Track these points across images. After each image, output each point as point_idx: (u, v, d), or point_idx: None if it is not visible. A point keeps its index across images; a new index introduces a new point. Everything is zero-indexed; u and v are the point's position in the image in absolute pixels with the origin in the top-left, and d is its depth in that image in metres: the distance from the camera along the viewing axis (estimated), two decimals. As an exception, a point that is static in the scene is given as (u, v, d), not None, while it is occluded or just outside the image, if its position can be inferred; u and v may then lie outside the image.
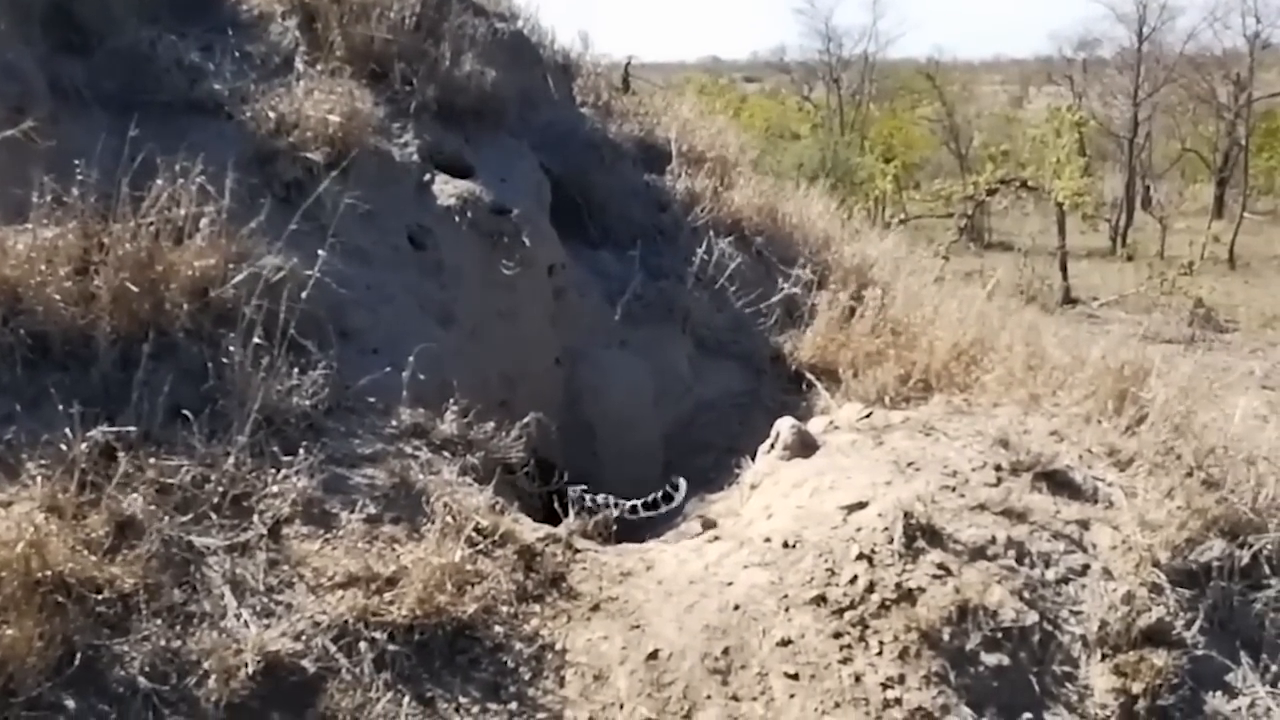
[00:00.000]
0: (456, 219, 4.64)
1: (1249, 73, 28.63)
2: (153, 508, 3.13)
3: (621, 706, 3.18)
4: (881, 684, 3.22)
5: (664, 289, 5.30)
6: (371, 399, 3.88)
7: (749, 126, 28.04)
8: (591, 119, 5.94)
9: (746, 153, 6.58)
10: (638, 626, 3.40)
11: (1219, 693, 3.45)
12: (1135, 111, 28.29)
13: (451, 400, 3.95)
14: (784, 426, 4.31)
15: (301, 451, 3.44)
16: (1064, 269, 21.10)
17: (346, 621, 3.11)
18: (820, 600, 3.44)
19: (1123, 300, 19.42)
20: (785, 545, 3.66)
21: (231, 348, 3.53)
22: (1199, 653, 3.47)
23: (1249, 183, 28.90)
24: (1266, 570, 3.73)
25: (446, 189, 4.69)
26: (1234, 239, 24.86)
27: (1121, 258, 23.78)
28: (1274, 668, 3.48)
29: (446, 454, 3.88)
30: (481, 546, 3.45)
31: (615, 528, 4.02)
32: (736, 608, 3.45)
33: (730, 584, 3.56)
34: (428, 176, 4.71)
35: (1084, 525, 3.77)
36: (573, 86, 6.04)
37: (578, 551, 3.66)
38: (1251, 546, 3.72)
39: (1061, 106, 22.47)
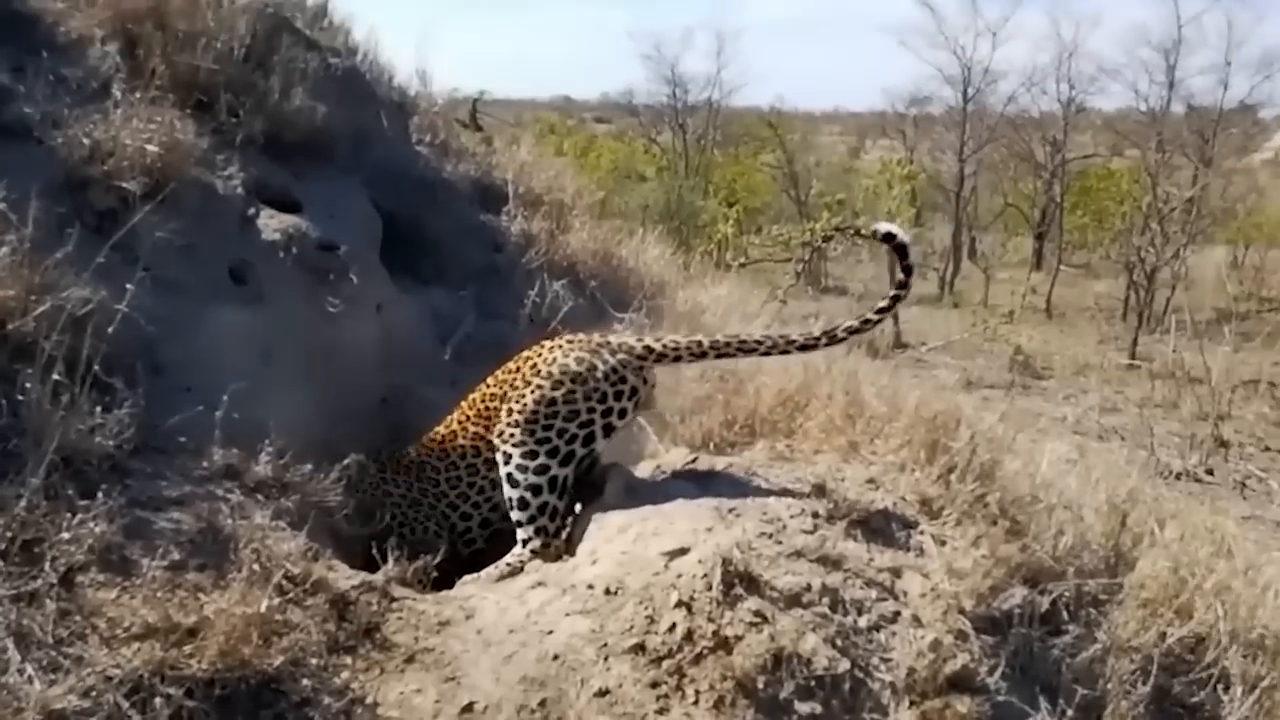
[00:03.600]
0: (281, 254, 4.52)
1: (1063, 134, 30.50)
2: (-68, 554, 2.93)
3: (433, 761, 3.11)
4: (696, 733, 3.24)
5: (496, 329, 5.28)
6: (182, 439, 3.73)
7: (596, 167, 28.39)
8: (427, 157, 5.89)
9: (584, 196, 6.62)
10: (453, 678, 3.33)
11: (1019, 737, 3.58)
12: (961, 167, 29.78)
13: (267, 440, 3.84)
14: (609, 469, 4.33)
15: (100, 494, 3.28)
16: (895, 315, 21.91)
17: (141, 675, 2.95)
18: (639, 649, 3.44)
19: (949, 346, 20.30)
20: (607, 592, 3.65)
21: (28, 384, 3.34)
22: (1000, 698, 3.58)
23: (1064, 238, 30.72)
24: (1065, 616, 3.91)
25: (271, 223, 4.57)
26: (1051, 290, 26.36)
27: (948, 305, 24.89)
28: (1070, 712, 3.61)
29: (260, 496, 3.76)
30: (292, 595, 3.34)
31: (435, 575, 3.94)
32: (556, 657, 3.42)
33: (551, 633, 3.53)
34: (252, 210, 4.58)
35: (896, 573, 3.88)
36: (409, 124, 5.98)
37: (394, 600, 3.58)
38: (1050, 593, 3.89)
39: (893, 160, 23.44)
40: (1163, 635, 3.96)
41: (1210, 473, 12.28)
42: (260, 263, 4.48)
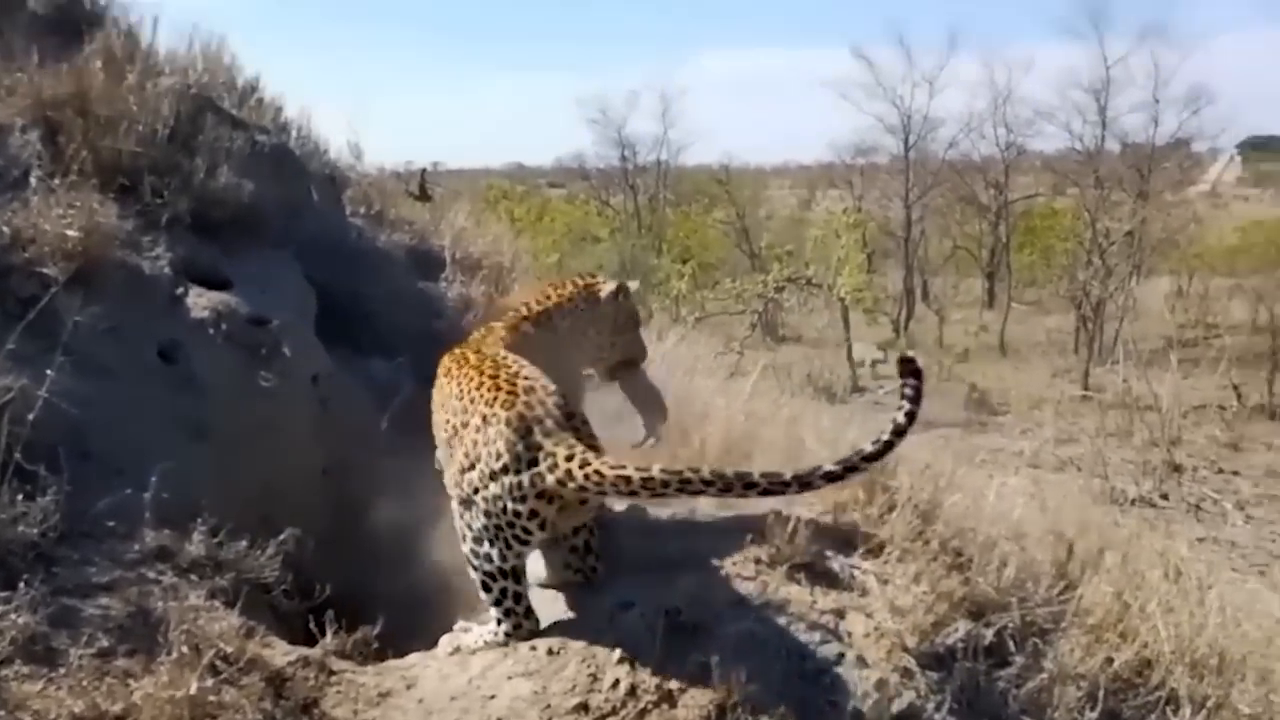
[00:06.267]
0: (211, 331, 4.51)
1: (1005, 177, 31.15)
2: None
3: (379, 836, 3.06)
4: (642, 789, 3.20)
5: (436, 396, 5.25)
6: (111, 523, 3.68)
7: (551, 230, 28.60)
8: (361, 228, 5.92)
9: (524, 258, 6.65)
10: (395, 750, 3.29)
11: (967, 771, 3.57)
12: (908, 213, 30.28)
13: (200, 519, 3.80)
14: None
15: (23, 585, 3.22)
16: (850, 359, 22.11)
17: (70, 767, 2.90)
18: (583, 708, 3.40)
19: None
20: (550, 652, 3.62)
21: (-51, 478, 3.30)
22: (949, 733, 3.58)
23: (1013, 276, 31.22)
24: (1011, 647, 3.91)
25: (200, 301, 4.56)
26: (1003, 327, 26.70)
27: (903, 347, 25.12)
28: (1016, 741, 3.62)
29: (194, 577, 3.71)
30: (226, 675, 3.28)
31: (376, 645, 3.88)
32: (499, 721, 3.39)
33: (493, 697, 3.49)
34: (180, 289, 4.57)
35: (839, 614, 3.87)
36: (342, 196, 6.01)
37: (333, 674, 3.53)
38: (994, 625, 3.90)
39: (838, 210, 23.80)
40: (1109, 660, 3.98)
41: (1165, 497, 12.40)
42: (190, 341, 4.46)
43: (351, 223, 5.88)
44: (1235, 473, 14.00)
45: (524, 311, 4.24)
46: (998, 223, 31.44)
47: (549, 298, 4.32)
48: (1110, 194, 28.74)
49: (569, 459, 3.52)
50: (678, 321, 16.41)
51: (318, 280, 5.26)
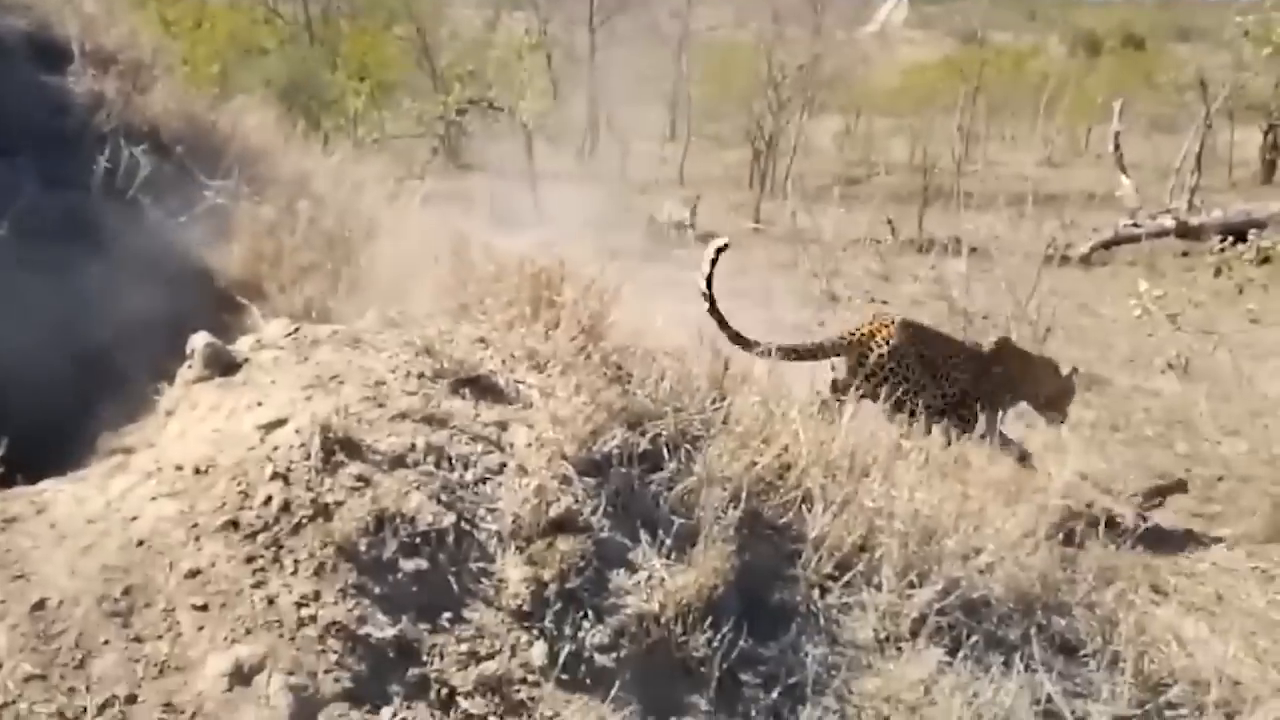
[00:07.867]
0: None
1: (686, 7, 31.49)
2: None
3: (1, 665, 2.84)
4: (296, 603, 3.14)
5: (66, 199, 4.74)
6: None
7: (211, 39, 26.17)
8: (-33, 9, 5.14)
9: (166, 55, 6.04)
10: (21, 576, 3.05)
11: (621, 570, 3.71)
12: (592, 39, 30.06)
13: None
14: (198, 343, 4.03)
15: None
16: (534, 189, 22.01)
17: None
18: (233, 525, 3.27)
19: (590, 220, 20.68)
20: (197, 471, 3.44)
21: None
22: (603, 535, 3.70)
23: (694, 109, 31.92)
24: (665, 454, 4.09)
25: None
26: (683, 161, 27.40)
27: (587, 178, 25.27)
28: (668, 541, 3.79)
29: None
30: None
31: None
32: (141, 544, 3.20)
33: (135, 519, 3.30)
34: None
35: (503, 426, 3.90)
36: (-59, -31, 5.17)
37: (-54, 502, 3.20)
38: (649, 433, 4.06)
39: (521, 31, 23.27)
40: (753, 463, 4.25)
41: (822, 324, 13.34)
42: None
43: (-44, 3, 5.10)
44: (885, 302, 15.20)
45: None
46: (679, 54, 31.93)
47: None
48: (786, 30, 29.69)
49: None
50: (357, 145, 15.67)
51: (-88, 66, 4.55)
